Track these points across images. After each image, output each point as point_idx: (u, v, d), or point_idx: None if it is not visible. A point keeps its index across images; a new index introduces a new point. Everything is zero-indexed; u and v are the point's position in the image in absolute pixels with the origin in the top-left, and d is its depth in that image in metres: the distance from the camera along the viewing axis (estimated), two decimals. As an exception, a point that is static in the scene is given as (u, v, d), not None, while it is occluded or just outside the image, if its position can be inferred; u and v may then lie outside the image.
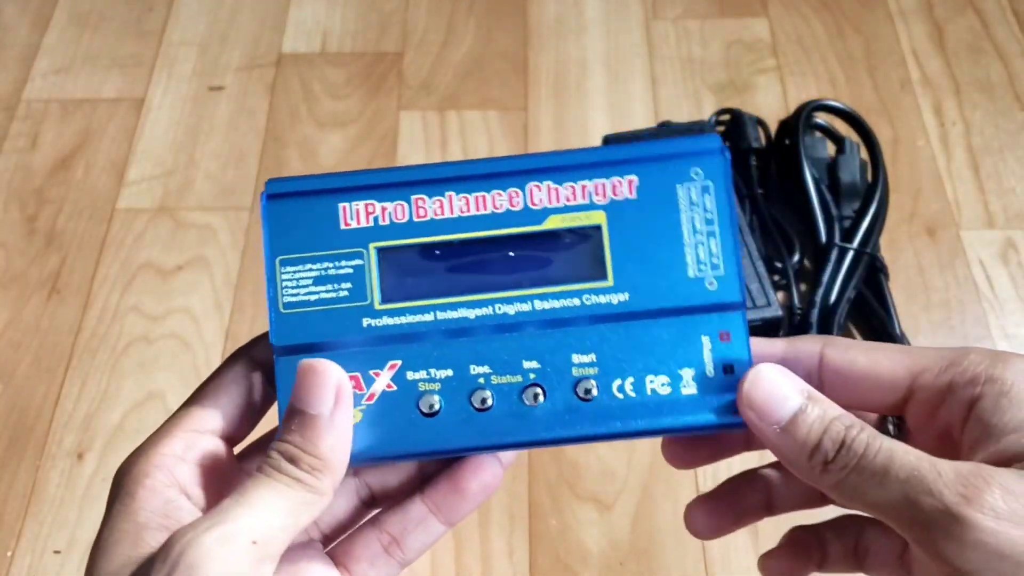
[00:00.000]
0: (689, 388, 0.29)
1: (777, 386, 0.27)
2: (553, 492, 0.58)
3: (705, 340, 0.29)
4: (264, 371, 0.30)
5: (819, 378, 0.29)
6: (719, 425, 0.29)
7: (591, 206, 0.29)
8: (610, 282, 0.29)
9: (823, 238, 0.63)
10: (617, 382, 0.29)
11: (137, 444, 0.65)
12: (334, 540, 0.33)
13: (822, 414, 0.27)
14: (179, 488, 0.28)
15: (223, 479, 0.29)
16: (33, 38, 0.82)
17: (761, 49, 0.79)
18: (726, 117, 0.70)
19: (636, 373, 0.29)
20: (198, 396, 0.30)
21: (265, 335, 0.31)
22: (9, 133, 0.76)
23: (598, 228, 0.29)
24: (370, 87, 0.78)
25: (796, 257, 0.64)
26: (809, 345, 0.30)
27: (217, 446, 0.30)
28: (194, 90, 0.78)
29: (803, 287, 0.64)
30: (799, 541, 0.32)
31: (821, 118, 0.68)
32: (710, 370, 0.29)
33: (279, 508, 0.26)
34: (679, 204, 0.29)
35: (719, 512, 0.31)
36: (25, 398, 0.63)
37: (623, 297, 0.29)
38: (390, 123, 0.76)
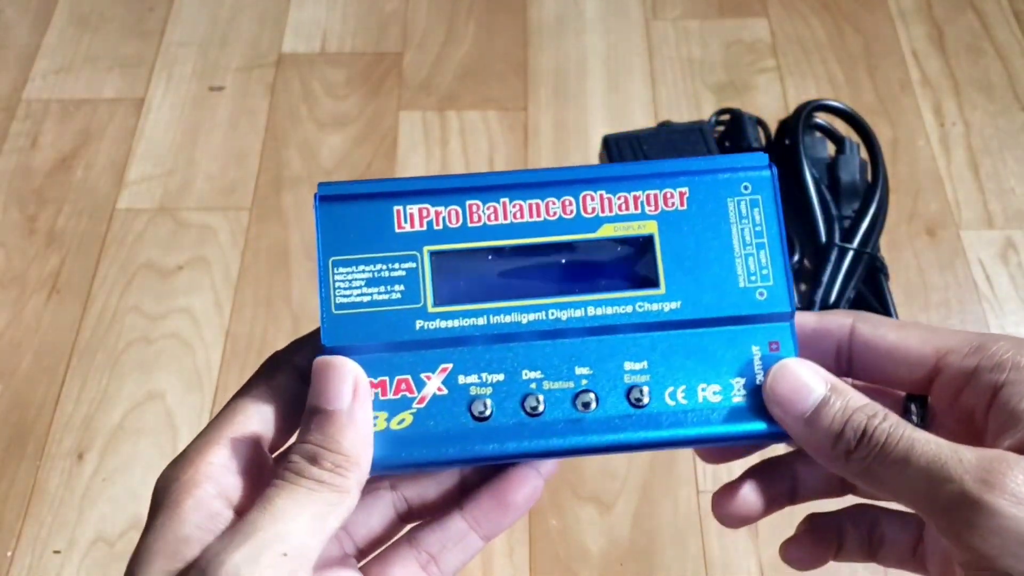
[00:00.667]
0: (739, 397, 0.28)
1: (800, 378, 0.28)
2: (553, 492, 0.58)
3: (755, 350, 0.29)
4: (305, 377, 0.29)
5: (849, 351, 0.30)
6: (769, 434, 0.29)
7: (643, 216, 0.29)
8: (662, 290, 0.29)
9: (823, 238, 0.63)
10: (669, 389, 0.28)
11: (138, 444, 0.65)
12: (368, 554, 0.32)
13: (844, 404, 0.27)
14: (226, 500, 0.28)
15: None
16: (33, 38, 0.82)
17: (761, 49, 0.79)
18: (726, 117, 0.70)
19: (688, 381, 0.29)
20: (241, 400, 0.29)
21: (306, 339, 0.30)
22: (9, 133, 0.76)
23: (650, 237, 0.29)
24: (370, 87, 0.78)
25: (796, 257, 0.64)
26: (840, 319, 0.30)
27: (261, 454, 0.29)
28: (194, 90, 0.78)
29: (803, 287, 0.64)
30: (818, 527, 0.33)
31: (821, 118, 0.68)
32: (760, 379, 0.29)
33: (306, 514, 0.26)
34: (729, 216, 0.29)
35: (746, 501, 0.31)
36: (25, 398, 0.63)
37: (675, 305, 0.29)
38: (390, 123, 0.76)
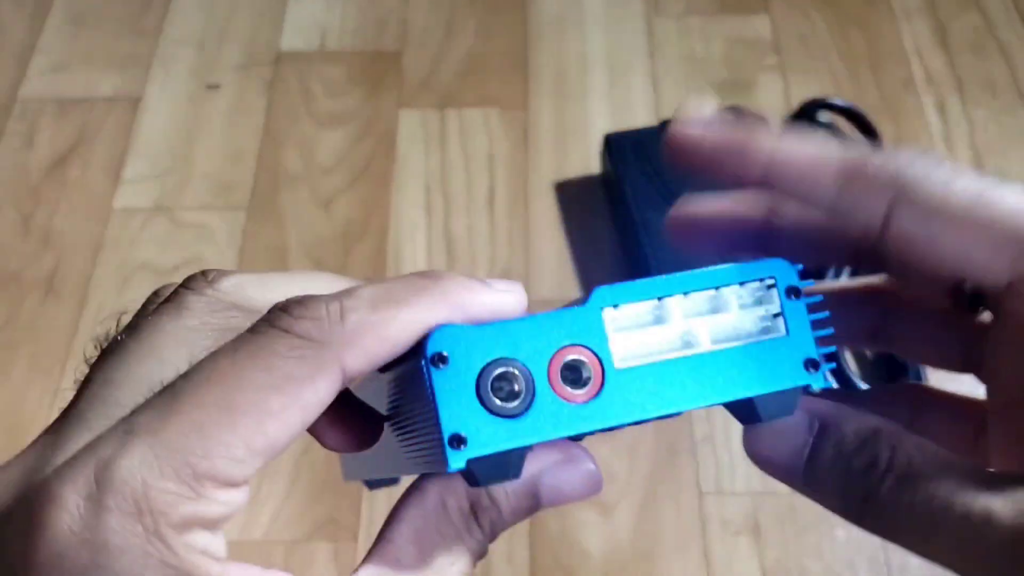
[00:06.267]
0: None
1: (777, 441, 0.22)
2: (554, 494, 0.58)
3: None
4: None
5: (880, 240, 0.22)
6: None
7: None
8: None
9: (826, 237, 0.63)
10: None
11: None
12: None
13: (837, 449, 0.21)
14: None
15: None
16: (30, 36, 0.81)
17: (763, 47, 0.79)
18: (728, 115, 0.70)
19: None
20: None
21: None
22: (5, 132, 0.75)
23: None
24: (369, 85, 0.77)
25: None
26: (872, 200, 0.21)
27: None
28: (191, 89, 0.78)
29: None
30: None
31: (824, 116, 0.68)
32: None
33: None
34: None
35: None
36: (21, 399, 0.62)
37: None
38: (389, 122, 0.75)
